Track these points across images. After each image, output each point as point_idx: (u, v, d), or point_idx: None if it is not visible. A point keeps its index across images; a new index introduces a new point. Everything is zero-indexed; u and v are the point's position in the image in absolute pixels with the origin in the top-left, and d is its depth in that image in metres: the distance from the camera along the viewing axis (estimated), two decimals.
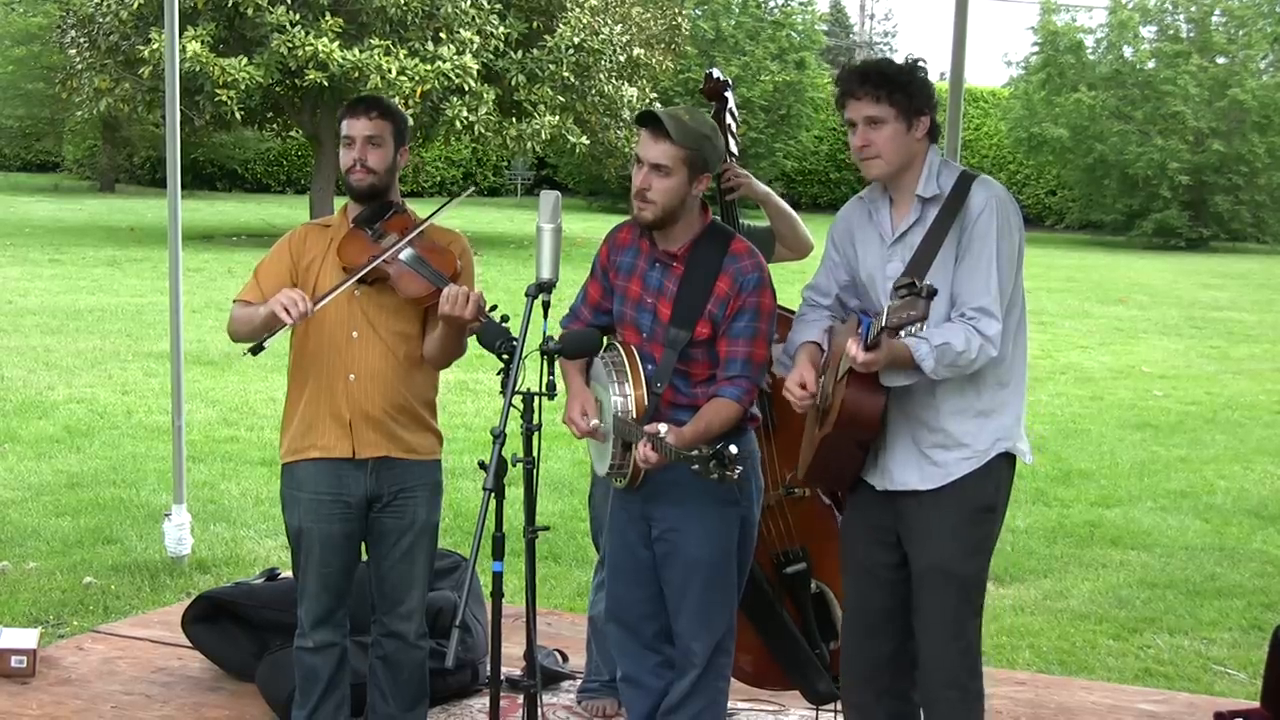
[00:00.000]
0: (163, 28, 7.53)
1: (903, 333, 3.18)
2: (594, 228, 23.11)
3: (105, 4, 21.05)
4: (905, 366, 3.42)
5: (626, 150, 22.46)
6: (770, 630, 4.38)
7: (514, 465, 3.54)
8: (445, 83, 20.58)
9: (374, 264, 3.87)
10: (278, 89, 21.14)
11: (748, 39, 33.80)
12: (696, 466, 3.33)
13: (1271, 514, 8.32)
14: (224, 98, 20.14)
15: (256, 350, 3.80)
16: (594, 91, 22.38)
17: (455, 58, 20.61)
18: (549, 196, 3.68)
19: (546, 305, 3.62)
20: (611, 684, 4.62)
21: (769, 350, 3.81)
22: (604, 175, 27.11)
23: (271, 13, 20.14)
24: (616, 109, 22.64)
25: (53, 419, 9.65)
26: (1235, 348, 15.67)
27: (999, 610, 6.29)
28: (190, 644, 5.09)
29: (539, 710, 3.72)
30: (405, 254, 3.90)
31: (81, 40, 21.70)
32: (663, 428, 3.52)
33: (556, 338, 3.71)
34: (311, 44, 20.01)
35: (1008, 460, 3.63)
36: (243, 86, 20.19)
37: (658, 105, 23.08)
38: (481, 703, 4.76)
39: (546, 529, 3.73)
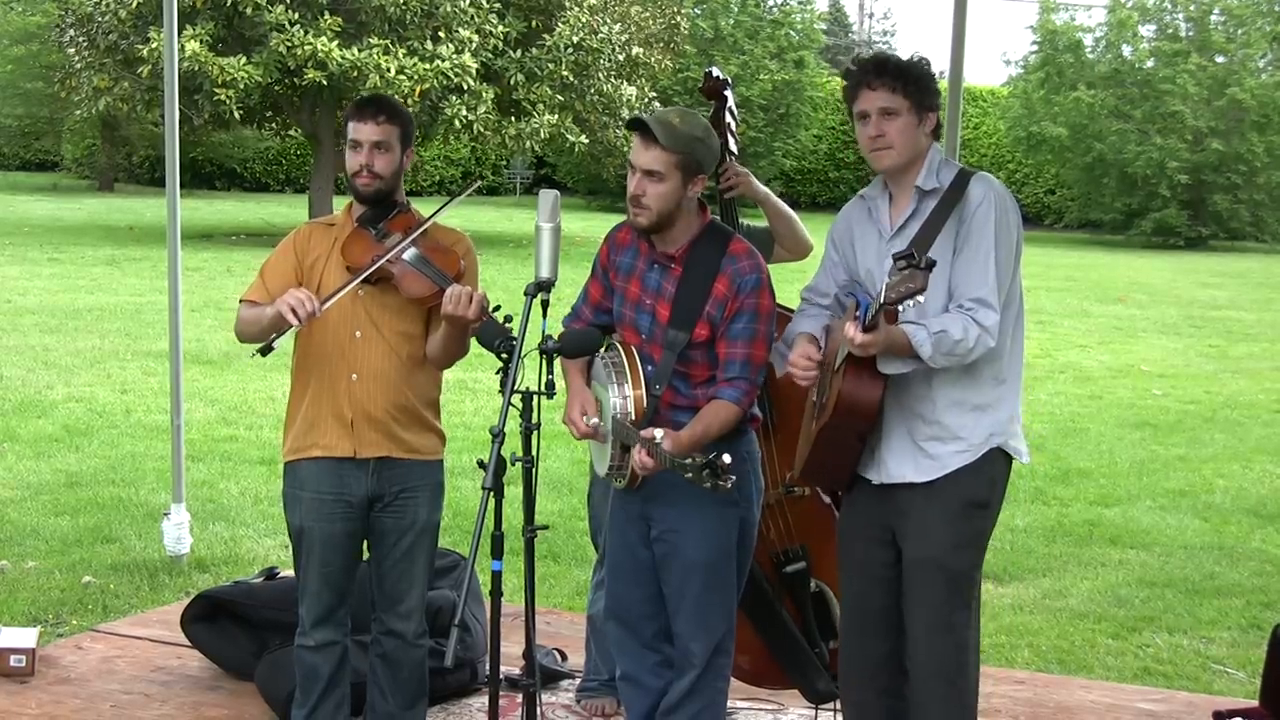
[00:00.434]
0: (161, 27, 7.54)
1: (901, 308, 3.18)
2: (593, 227, 23.12)
3: (104, 3, 21.04)
4: (903, 353, 3.44)
5: (625, 149, 22.37)
6: (770, 629, 4.38)
7: (513, 464, 3.54)
8: (444, 82, 20.58)
9: (378, 264, 3.87)
10: (276, 88, 21.14)
11: (747, 38, 33.80)
12: (690, 475, 3.32)
13: (1270, 513, 8.33)
14: (223, 97, 20.14)
15: (265, 351, 3.79)
16: (593, 90, 22.38)
17: (454, 57, 20.61)
18: (548, 195, 3.67)
19: (545, 304, 3.61)
20: (611, 683, 4.62)
21: (768, 351, 3.80)
22: (603, 174, 27.11)
23: (270, 12, 20.13)
24: (615, 108, 22.64)
25: (51, 418, 9.65)
26: (1234, 347, 15.68)
27: (998, 609, 6.29)
28: (189, 643, 5.09)
29: (538, 709, 3.72)
30: (409, 254, 3.90)
31: (80, 39, 21.70)
32: (658, 433, 3.52)
33: (556, 337, 3.71)
34: (310, 43, 20.01)
35: (1003, 457, 3.64)
36: (241, 85, 20.19)
37: (656, 105, 23.13)
38: (481, 702, 4.76)
39: (545, 528, 3.72)
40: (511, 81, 21.79)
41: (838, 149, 36.19)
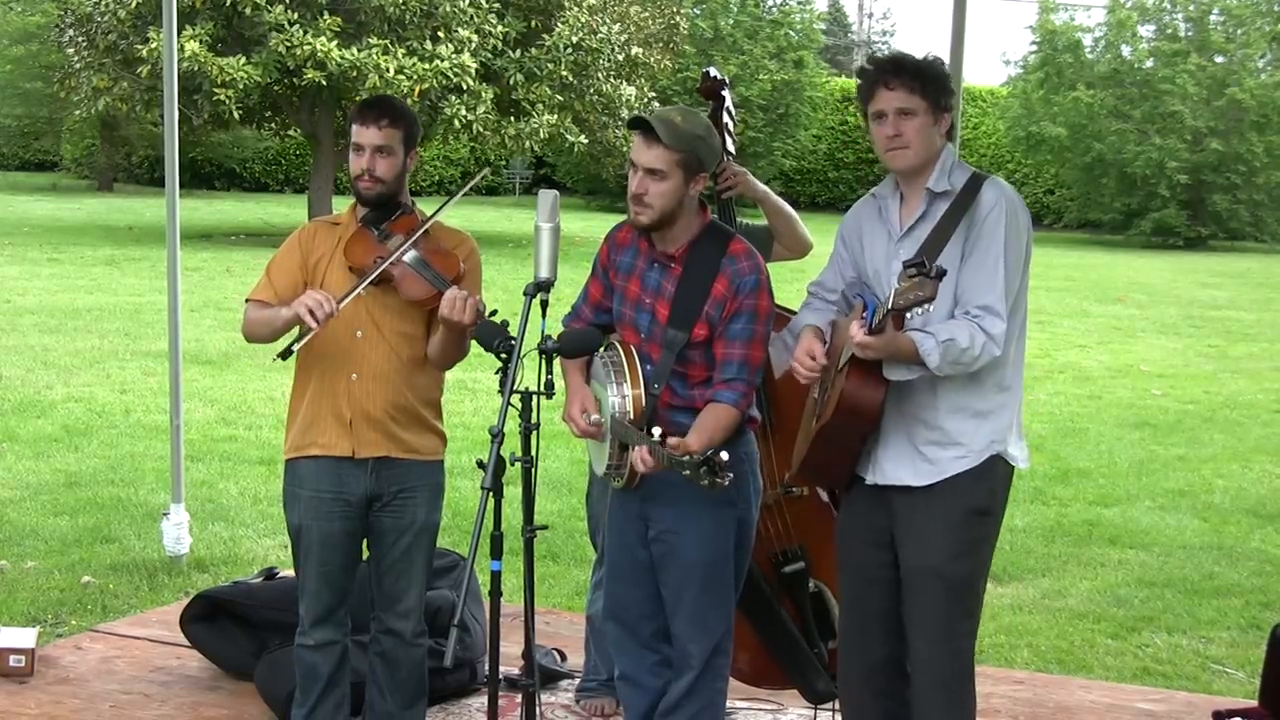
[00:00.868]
0: (161, 27, 7.55)
1: (909, 315, 3.18)
2: (592, 227, 23.13)
3: (103, 3, 21.03)
4: (909, 360, 3.42)
5: (624, 149, 22.44)
6: (769, 629, 4.38)
7: (512, 464, 3.54)
8: (443, 82, 20.58)
9: (383, 266, 3.87)
10: (276, 88, 21.14)
11: (746, 38, 33.79)
12: (687, 472, 3.32)
13: (1270, 513, 8.33)
14: (222, 97, 20.14)
15: (286, 355, 3.83)
16: (592, 90, 22.38)
17: (453, 57, 20.61)
18: (547, 195, 3.68)
19: (545, 304, 3.62)
20: (610, 683, 4.62)
21: (766, 352, 3.80)
22: (602, 174, 27.11)
23: (270, 12, 20.13)
24: (615, 108, 22.64)
25: (51, 418, 9.64)
26: (1233, 346, 15.68)
27: (997, 609, 6.29)
28: (189, 643, 5.09)
29: (537, 709, 3.72)
30: (409, 256, 3.91)
31: (80, 39, 21.69)
32: (657, 432, 3.52)
33: (555, 337, 3.71)
34: (310, 43, 20.01)
35: (1003, 464, 3.62)
36: (241, 85, 20.19)
37: (656, 105, 23.11)
38: (480, 702, 4.76)
39: (545, 528, 3.72)
40: (511, 81, 21.79)
41: (837, 149, 36.20)
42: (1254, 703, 4.76)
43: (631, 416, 3.69)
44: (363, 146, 3.96)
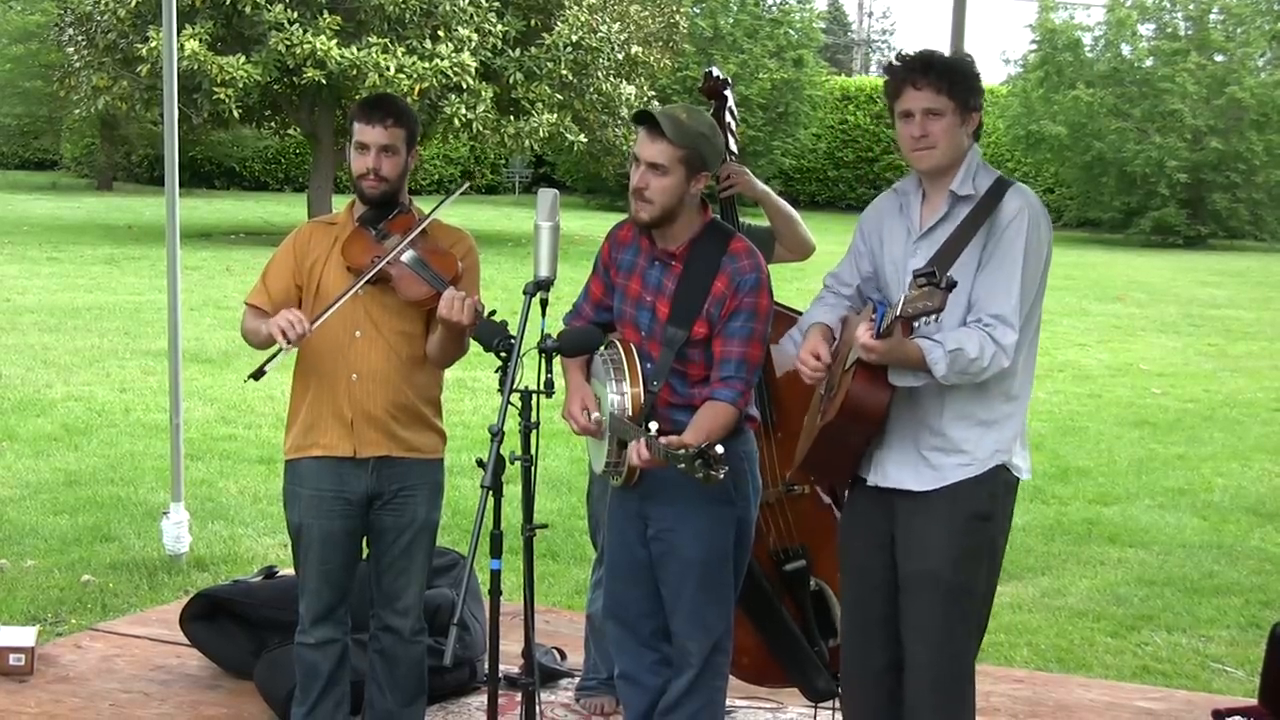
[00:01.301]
0: (160, 26, 7.53)
1: (917, 324, 3.17)
2: (592, 225, 23.13)
3: (103, 2, 21.01)
4: (916, 367, 3.40)
5: (624, 148, 22.44)
6: (769, 628, 4.38)
7: (512, 463, 3.54)
8: (443, 81, 20.57)
9: (374, 270, 3.87)
10: (276, 87, 21.12)
11: (746, 37, 33.77)
12: (682, 465, 3.32)
13: (1269, 511, 8.33)
14: (222, 96, 20.13)
15: (258, 375, 3.77)
16: (592, 89, 22.36)
17: (453, 55, 20.60)
18: (547, 194, 3.68)
19: (544, 303, 3.62)
20: (609, 682, 4.63)
21: (765, 351, 3.80)
22: (602, 173, 27.07)
23: (269, 11, 20.12)
24: (615, 107, 22.62)
25: (51, 417, 9.64)
26: (1233, 345, 15.67)
27: (997, 608, 6.22)
28: (188, 642, 5.09)
29: (537, 708, 3.72)
30: (407, 255, 3.90)
31: (79, 38, 21.68)
32: (654, 426, 3.52)
33: (555, 335, 3.71)
34: (309, 42, 20.00)
35: (1007, 473, 3.60)
36: (241, 85, 20.17)
37: (656, 104, 23.08)
38: (480, 700, 4.76)
39: (545, 527, 3.72)
40: (510, 80, 21.77)
41: (837, 148, 36.18)
42: (1253, 701, 4.76)
43: (630, 414, 3.70)
44: (367, 146, 3.95)
